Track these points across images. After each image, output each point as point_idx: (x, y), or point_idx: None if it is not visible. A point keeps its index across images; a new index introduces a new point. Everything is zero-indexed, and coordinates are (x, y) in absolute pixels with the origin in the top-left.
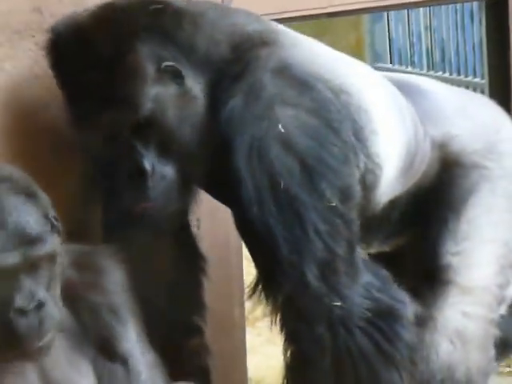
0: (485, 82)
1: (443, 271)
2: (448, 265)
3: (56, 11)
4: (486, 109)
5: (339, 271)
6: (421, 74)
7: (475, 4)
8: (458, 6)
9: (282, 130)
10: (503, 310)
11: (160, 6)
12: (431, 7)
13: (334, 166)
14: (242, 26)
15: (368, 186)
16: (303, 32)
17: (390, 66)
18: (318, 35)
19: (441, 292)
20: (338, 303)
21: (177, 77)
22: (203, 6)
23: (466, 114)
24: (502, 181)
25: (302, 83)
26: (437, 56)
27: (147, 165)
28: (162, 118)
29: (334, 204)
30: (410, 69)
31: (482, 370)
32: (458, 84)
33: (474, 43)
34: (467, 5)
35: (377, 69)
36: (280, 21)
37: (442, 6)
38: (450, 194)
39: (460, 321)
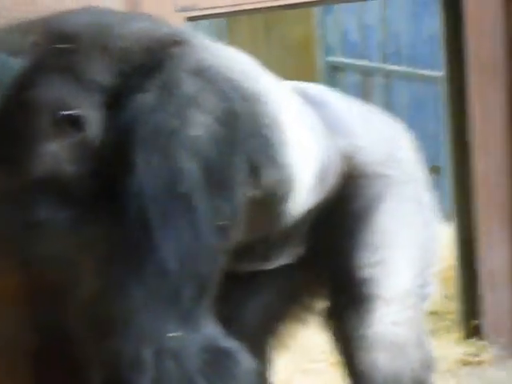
0: (440, 74)
1: (363, 285)
2: (367, 278)
3: None
4: (382, 119)
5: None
6: (374, 67)
7: None
8: None
9: (192, 135)
10: (427, 305)
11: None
12: None
13: (233, 182)
14: (150, 30)
15: (279, 198)
16: (254, 25)
17: (342, 59)
18: (268, 28)
19: (365, 308)
20: (170, 345)
21: (76, 123)
22: (98, 20)
23: (367, 126)
24: (407, 186)
25: (217, 89)
26: (391, 48)
27: (41, 216)
28: (58, 174)
29: (221, 222)
30: (363, 62)
31: (425, 364)
32: (414, 77)
33: (429, 35)
34: None
35: (329, 63)
36: (233, 14)
37: None
38: (358, 205)
39: (391, 331)
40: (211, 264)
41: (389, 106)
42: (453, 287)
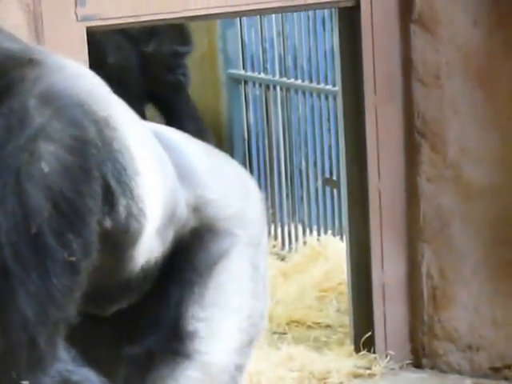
0: (337, 89)
1: (186, 338)
2: (192, 331)
3: None
4: (234, 171)
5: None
6: (274, 81)
7: (327, 11)
8: (310, 12)
9: (44, 169)
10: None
11: None
12: (283, 13)
13: (87, 214)
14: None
15: (131, 235)
16: None
17: (242, 72)
18: None
19: (178, 362)
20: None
21: None
22: None
23: (218, 177)
24: (249, 248)
25: (67, 116)
26: (289, 62)
27: None
28: None
29: (74, 259)
30: (262, 75)
31: None
32: (311, 91)
33: (325, 50)
34: (319, 11)
35: (230, 75)
36: (135, 25)
37: (295, 13)
38: (199, 259)
39: None
40: (65, 304)
41: (288, 119)
42: (346, 301)
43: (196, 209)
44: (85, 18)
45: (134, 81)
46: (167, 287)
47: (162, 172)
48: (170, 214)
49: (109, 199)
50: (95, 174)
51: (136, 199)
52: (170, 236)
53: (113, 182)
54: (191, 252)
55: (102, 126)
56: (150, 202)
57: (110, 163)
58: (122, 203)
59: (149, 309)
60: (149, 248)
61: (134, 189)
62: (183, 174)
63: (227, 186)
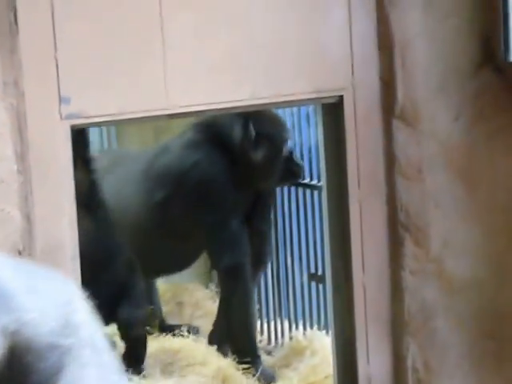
0: (321, 184)
1: None
2: None
3: None
4: (54, 282)
5: None
6: None
7: (311, 106)
8: (295, 109)
9: None
10: None
11: None
12: None
13: None
14: None
15: None
16: (143, 131)
17: None
18: (158, 134)
19: None
20: None
21: None
22: None
23: (36, 293)
24: (85, 351)
25: None
26: None
27: None
28: None
29: None
30: None
31: None
32: (297, 185)
33: (310, 145)
34: (303, 108)
35: None
36: (119, 122)
37: (279, 109)
38: (32, 382)
39: None
40: None
41: (274, 214)
42: None
43: (13, 333)
44: (69, 117)
45: None
46: None
47: None
48: None
49: None
50: None
51: None
52: None
53: None
54: (20, 379)
55: None
56: None
57: None
58: None
59: None
60: None
61: None
62: None
63: (46, 299)
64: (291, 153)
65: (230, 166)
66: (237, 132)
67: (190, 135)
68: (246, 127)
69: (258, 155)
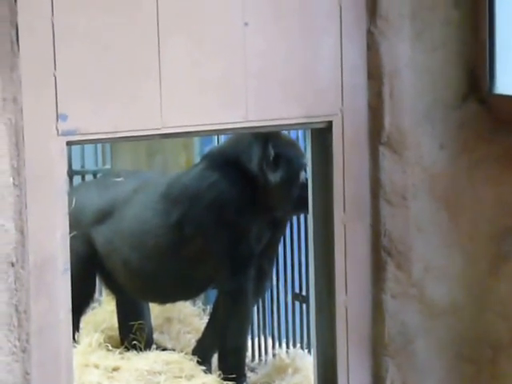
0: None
1: None
2: None
3: None
4: None
5: None
6: None
7: (301, 131)
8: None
9: None
10: None
11: None
12: None
13: None
14: None
15: None
16: (136, 151)
17: None
18: (150, 155)
19: None
20: None
21: None
22: None
23: None
24: None
25: None
26: None
27: None
28: None
29: None
30: None
31: None
32: None
33: None
34: (293, 132)
35: None
36: (114, 140)
37: None
38: None
39: None
40: None
41: None
42: None
43: None
44: (65, 133)
45: None
46: None
47: None
48: None
49: None
50: None
51: None
52: None
53: None
54: None
55: None
56: None
57: None
58: None
59: None
60: None
61: None
62: None
63: None
64: (307, 180)
65: (247, 188)
66: (255, 152)
67: (208, 160)
68: (265, 147)
69: (276, 176)
